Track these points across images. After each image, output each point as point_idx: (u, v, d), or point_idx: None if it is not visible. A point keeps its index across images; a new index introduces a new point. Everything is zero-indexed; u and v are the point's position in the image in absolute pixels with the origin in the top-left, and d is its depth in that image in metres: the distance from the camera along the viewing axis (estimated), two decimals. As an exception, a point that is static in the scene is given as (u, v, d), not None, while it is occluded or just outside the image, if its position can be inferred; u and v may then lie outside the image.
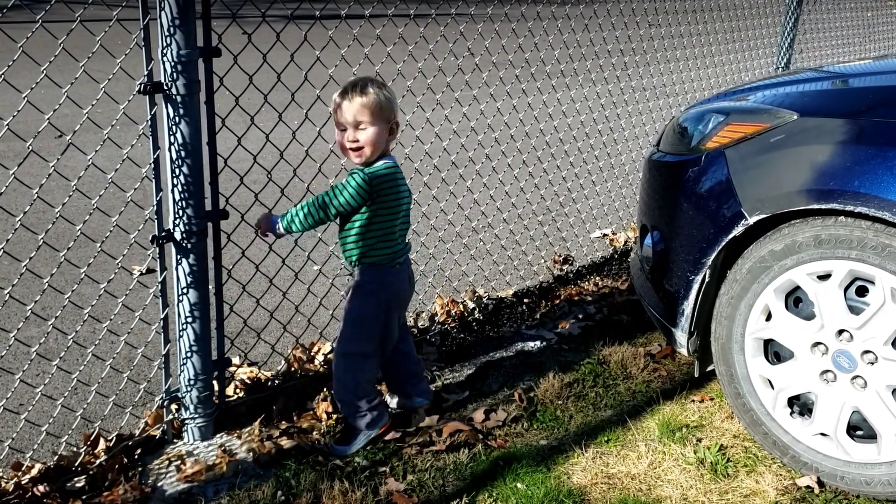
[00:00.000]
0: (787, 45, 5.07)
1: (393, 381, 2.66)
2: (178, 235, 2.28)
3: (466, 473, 2.40)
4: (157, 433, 2.50)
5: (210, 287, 2.42)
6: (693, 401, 2.83)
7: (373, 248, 2.35)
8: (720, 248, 2.40)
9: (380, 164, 2.30)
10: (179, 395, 2.47)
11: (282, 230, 2.33)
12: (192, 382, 2.44)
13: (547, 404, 2.78)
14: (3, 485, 2.18)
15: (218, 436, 2.55)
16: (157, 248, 2.30)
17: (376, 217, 2.31)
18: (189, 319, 2.37)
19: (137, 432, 2.46)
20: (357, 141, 2.26)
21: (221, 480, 2.34)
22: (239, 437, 2.53)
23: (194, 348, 2.41)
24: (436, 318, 3.26)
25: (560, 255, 4.08)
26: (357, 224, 2.33)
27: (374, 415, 2.48)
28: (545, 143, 4.38)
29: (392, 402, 2.68)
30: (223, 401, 2.59)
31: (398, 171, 2.34)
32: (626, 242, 4.34)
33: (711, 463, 2.46)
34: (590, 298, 3.65)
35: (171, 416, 2.50)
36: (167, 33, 2.08)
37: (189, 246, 2.29)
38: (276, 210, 2.82)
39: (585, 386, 2.91)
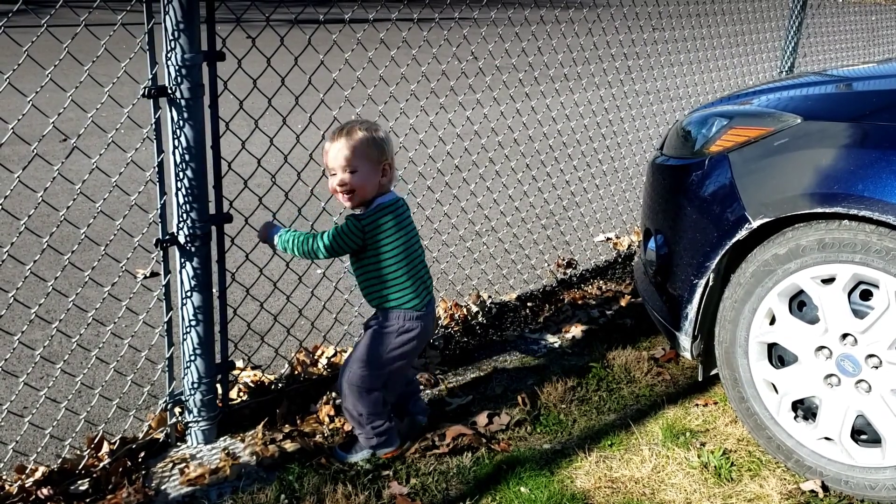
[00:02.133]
0: (790, 48, 5.07)
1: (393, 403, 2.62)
2: (181, 239, 2.28)
3: (470, 477, 2.40)
4: (161, 436, 2.50)
5: (214, 290, 2.42)
6: (697, 405, 2.82)
7: (393, 291, 2.30)
8: (724, 251, 2.40)
9: (374, 205, 2.25)
10: (183, 398, 2.48)
11: (277, 248, 2.35)
12: (195, 385, 2.45)
13: (550, 408, 2.78)
14: (7, 488, 2.18)
15: (221, 439, 2.55)
16: (161, 252, 2.31)
17: (385, 260, 2.27)
18: (193, 323, 2.37)
19: (141, 435, 2.46)
20: (346, 184, 2.21)
21: (225, 484, 2.34)
22: (242, 441, 2.54)
23: (198, 351, 2.41)
24: (439, 322, 3.25)
25: (563, 259, 4.08)
26: (370, 268, 2.30)
27: (382, 439, 2.45)
28: (548, 147, 4.38)
29: None
30: (227, 404, 2.59)
31: (397, 209, 2.27)
32: (629, 246, 4.34)
33: (715, 467, 2.45)
34: (593, 302, 3.65)
35: (174, 420, 2.50)
36: (171, 37, 2.09)
37: (193, 249, 2.30)
38: (280, 214, 2.83)
39: (589, 390, 2.91)
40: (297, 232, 2.31)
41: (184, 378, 2.46)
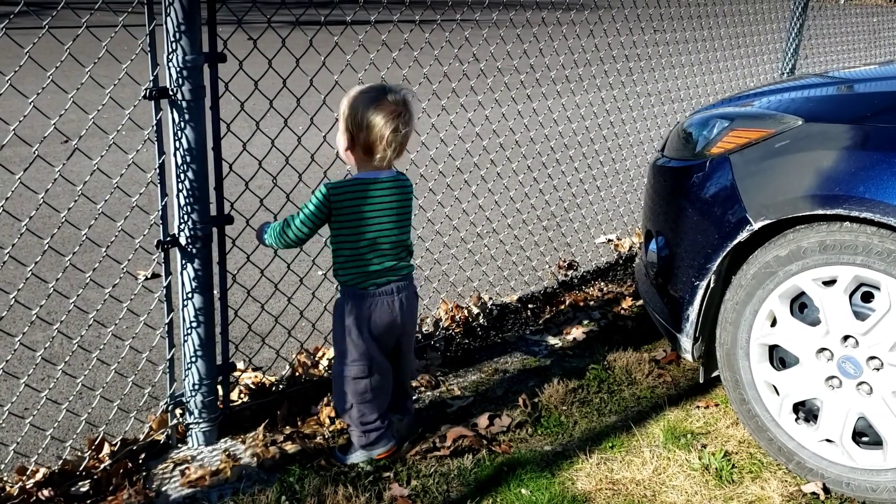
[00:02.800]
0: (791, 50, 5.07)
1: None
2: (183, 240, 2.28)
3: (470, 479, 2.40)
4: (162, 438, 2.50)
5: (215, 292, 2.42)
6: (698, 407, 2.82)
7: (342, 265, 2.28)
8: (725, 253, 2.39)
9: (353, 177, 2.23)
10: (184, 399, 2.48)
11: (266, 243, 2.33)
12: (196, 387, 2.45)
13: (551, 410, 2.78)
14: (8, 489, 2.18)
15: (222, 440, 2.55)
16: (162, 253, 2.31)
17: (341, 232, 2.24)
18: (194, 324, 2.37)
19: (142, 437, 2.46)
20: None
21: (226, 485, 2.34)
22: (243, 442, 2.54)
23: (199, 353, 2.41)
24: (440, 324, 3.25)
25: (565, 261, 4.07)
26: (330, 238, 2.28)
27: (372, 437, 2.41)
28: (550, 149, 4.38)
29: None
30: (227, 405, 2.59)
31: (378, 187, 2.21)
32: (630, 248, 4.34)
33: (716, 469, 2.45)
34: (594, 304, 3.65)
35: (175, 421, 2.50)
36: (173, 39, 2.09)
37: (194, 251, 2.30)
38: (281, 216, 2.82)
39: (590, 392, 2.90)
40: (276, 222, 2.31)
41: (185, 379, 2.46)
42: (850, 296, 2.19)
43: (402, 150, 2.22)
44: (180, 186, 2.23)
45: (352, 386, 2.37)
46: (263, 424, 2.56)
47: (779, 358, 2.39)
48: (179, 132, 2.18)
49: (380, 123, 2.13)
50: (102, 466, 2.32)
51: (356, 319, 2.31)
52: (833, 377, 2.25)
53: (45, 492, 2.19)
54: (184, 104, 2.15)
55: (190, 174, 2.21)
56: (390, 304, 2.31)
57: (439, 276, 3.70)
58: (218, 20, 2.22)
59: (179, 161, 2.20)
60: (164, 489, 2.32)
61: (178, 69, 2.12)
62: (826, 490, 2.32)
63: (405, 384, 2.57)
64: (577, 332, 3.36)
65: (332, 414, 2.65)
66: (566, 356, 3.19)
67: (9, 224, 4.07)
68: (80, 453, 2.38)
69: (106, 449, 2.38)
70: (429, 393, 2.87)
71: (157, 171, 2.25)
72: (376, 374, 2.38)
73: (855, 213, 2.11)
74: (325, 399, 2.71)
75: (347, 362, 2.35)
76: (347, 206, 2.21)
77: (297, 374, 2.81)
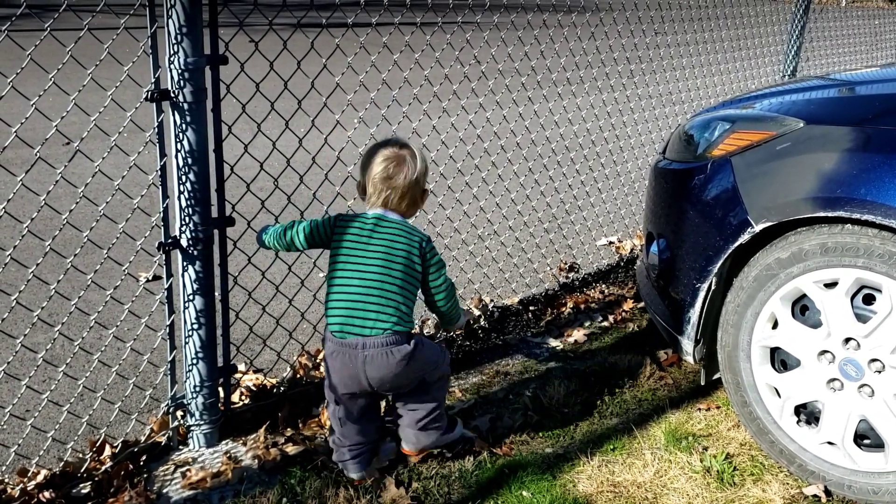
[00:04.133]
0: (793, 52, 5.07)
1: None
2: (184, 242, 2.28)
3: (472, 481, 2.40)
4: (163, 440, 2.50)
5: (216, 294, 2.42)
6: (699, 409, 2.82)
7: (326, 301, 2.25)
8: (726, 255, 2.39)
9: (360, 213, 2.29)
10: (185, 401, 2.48)
11: (265, 243, 2.35)
12: (197, 389, 2.45)
13: (553, 412, 2.78)
14: (9, 491, 2.18)
15: (223, 442, 2.55)
16: (164, 255, 2.31)
17: (330, 266, 2.24)
18: (195, 326, 2.38)
19: (143, 439, 2.46)
20: None
21: (227, 487, 2.34)
22: (244, 444, 2.53)
23: (200, 355, 2.41)
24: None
25: (566, 263, 4.07)
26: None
27: (342, 456, 2.36)
28: (551, 151, 4.38)
29: None
30: (228, 407, 2.59)
31: (367, 225, 2.22)
32: (632, 250, 4.34)
33: (718, 471, 2.45)
34: (595, 306, 3.65)
35: (176, 423, 2.50)
36: (174, 41, 2.09)
37: (195, 253, 2.30)
38: (283, 218, 2.83)
39: (591, 394, 2.90)
40: (279, 225, 2.34)
41: (186, 381, 2.46)
42: (852, 298, 2.19)
43: (396, 198, 2.24)
44: (181, 188, 2.23)
45: (329, 406, 2.37)
46: (264, 426, 2.56)
47: (780, 360, 2.39)
48: (181, 134, 2.18)
49: (370, 165, 2.25)
50: (103, 468, 2.32)
51: (326, 356, 2.27)
52: (834, 379, 2.25)
53: (46, 493, 2.19)
54: (185, 106, 2.15)
55: (191, 176, 2.22)
56: (351, 360, 2.17)
57: (440, 278, 3.70)
58: (219, 22, 2.22)
59: (181, 163, 2.21)
60: (165, 491, 2.32)
61: (179, 71, 2.12)
62: (827, 492, 2.32)
63: (381, 427, 2.49)
64: (578, 335, 3.36)
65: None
66: (567, 358, 3.19)
67: (10, 226, 4.07)
68: (81, 455, 2.38)
69: (107, 451, 2.38)
70: (430, 395, 2.87)
71: (159, 173, 2.26)
72: (341, 406, 2.31)
73: (856, 216, 2.11)
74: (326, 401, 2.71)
75: (326, 381, 2.32)
76: (339, 238, 2.24)
77: (298, 375, 2.81)
